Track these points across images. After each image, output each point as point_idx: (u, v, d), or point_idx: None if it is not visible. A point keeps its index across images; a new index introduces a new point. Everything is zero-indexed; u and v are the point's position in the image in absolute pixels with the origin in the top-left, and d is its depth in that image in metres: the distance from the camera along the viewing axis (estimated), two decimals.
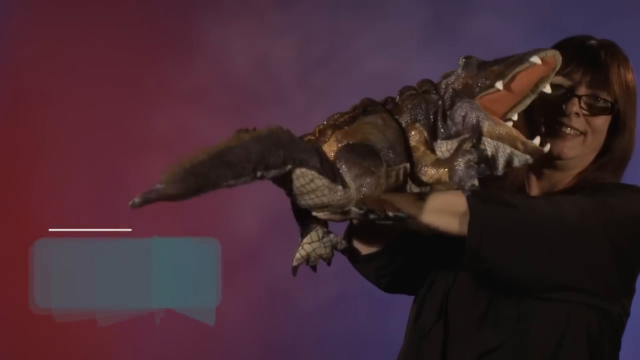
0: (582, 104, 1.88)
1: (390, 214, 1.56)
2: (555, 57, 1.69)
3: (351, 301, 3.46)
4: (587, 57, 1.91)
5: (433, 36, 3.61)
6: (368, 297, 3.49)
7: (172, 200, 1.45)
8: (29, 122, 3.89)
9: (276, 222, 3.56)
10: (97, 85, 3.85)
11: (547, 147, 1.68)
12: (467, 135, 1.64)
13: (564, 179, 1.93)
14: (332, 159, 1.59)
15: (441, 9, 3.61)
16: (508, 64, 1.67)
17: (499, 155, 1.65)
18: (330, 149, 1.60)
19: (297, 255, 1.71)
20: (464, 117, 1.64)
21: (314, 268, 1.74)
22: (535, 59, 1.66)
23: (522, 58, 1.67)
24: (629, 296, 1.85)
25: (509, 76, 1.67)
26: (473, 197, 1.66)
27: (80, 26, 3.88)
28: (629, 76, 1.92)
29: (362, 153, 1.58)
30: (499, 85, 1.66)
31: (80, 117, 3.85)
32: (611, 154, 1.92)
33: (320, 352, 3.70)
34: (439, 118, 1.67)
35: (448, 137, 1.67)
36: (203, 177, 1.46)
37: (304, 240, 1.71)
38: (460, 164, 1.57)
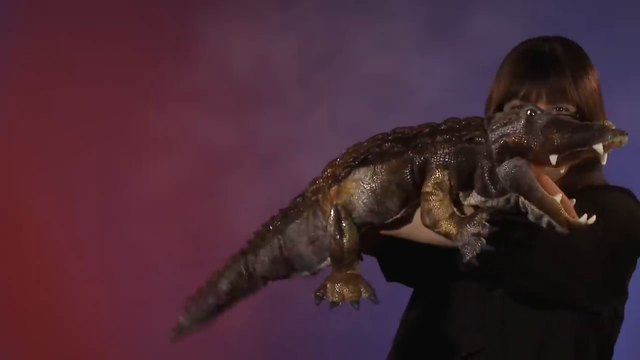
0: None
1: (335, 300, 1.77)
2: (623, 142, 1.47)
3: None
4: (539, 70, 1.84)
5: (433, 36, 3.61)
6: None
7: None
8: (28, 121, 3.89)
9: None
10: (97, 85, 3.85)
11: (591, 219, 1.50)
12: (489, 203, 1.54)
13: None
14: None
15: (441, 9, 3.61)
16: (570, 140, 1.48)
17: (539, 222, 1.52)
18: (325, 203, 1.65)
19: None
20: (512, 178, 1.51)
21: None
22: (599, 148, 1.46)
23: (586, 139, 1.46)
24: (619, 299, 1.83)
25: (566, 153, 1.49)
26: None
27: (80, 25, 3.89)
28: (590, 75, 1.86)
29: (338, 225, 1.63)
30: (553, 159, 1.50)
31: (79, 117, 3.85)
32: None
33: (320, 352, 3.70)
34: (485, 175, 1.54)
35: (484, 194, 1.55)
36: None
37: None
38: (470, 232, 1.49)
